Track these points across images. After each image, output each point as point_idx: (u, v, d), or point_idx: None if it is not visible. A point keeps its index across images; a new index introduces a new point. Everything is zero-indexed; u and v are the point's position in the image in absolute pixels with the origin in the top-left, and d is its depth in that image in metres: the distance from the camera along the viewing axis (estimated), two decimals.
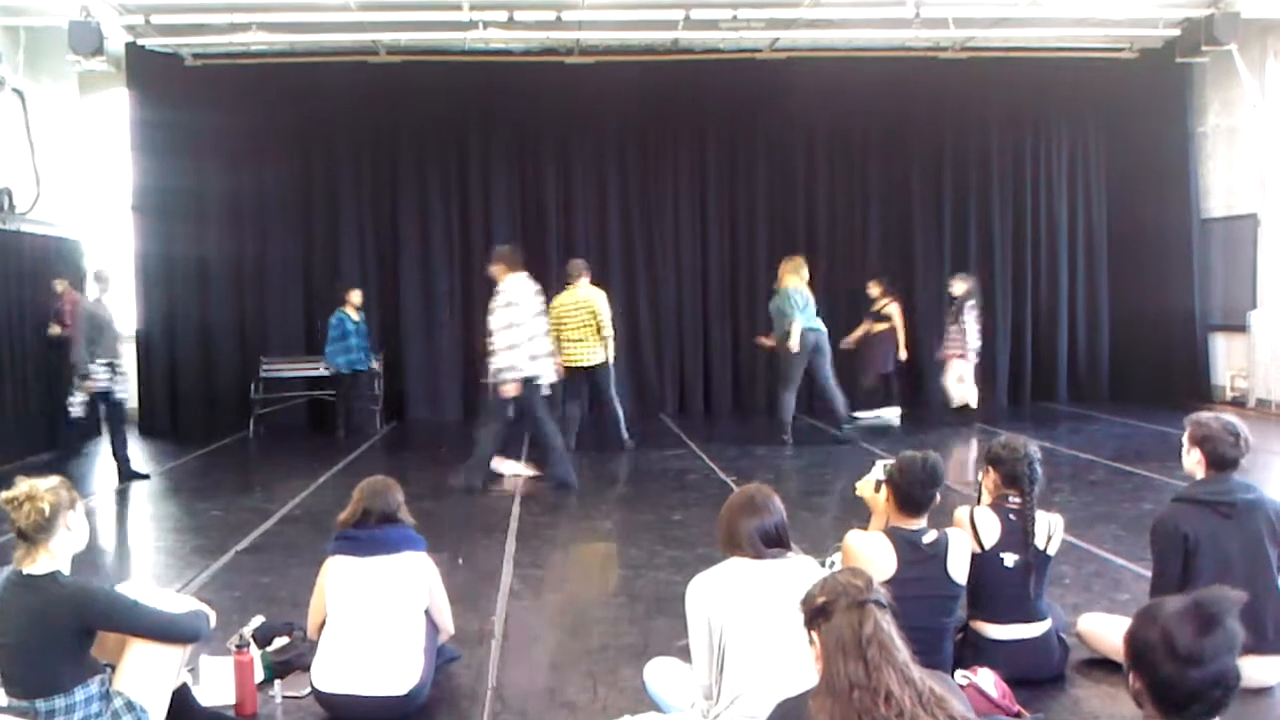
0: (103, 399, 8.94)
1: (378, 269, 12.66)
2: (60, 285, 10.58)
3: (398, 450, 10.95)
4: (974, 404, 11.32)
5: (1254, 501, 4.12)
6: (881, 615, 2.33)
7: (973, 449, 9.99)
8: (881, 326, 11.79)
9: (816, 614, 2.38)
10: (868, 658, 2.27)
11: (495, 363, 8.13)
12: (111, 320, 9.03)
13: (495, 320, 8.12)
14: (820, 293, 12.98)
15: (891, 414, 11.63)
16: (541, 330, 8.35)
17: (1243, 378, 12.21)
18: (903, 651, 2.31)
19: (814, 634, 2.39)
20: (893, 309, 11.80)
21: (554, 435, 8.47)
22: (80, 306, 9.22)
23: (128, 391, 9.27)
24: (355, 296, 11.55)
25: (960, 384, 11.32)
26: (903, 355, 11.82)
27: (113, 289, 9.41)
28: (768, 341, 10.84)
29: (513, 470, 8.96)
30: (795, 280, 10.34)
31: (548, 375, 8.40)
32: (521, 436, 9.14)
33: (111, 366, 8.86)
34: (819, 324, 10.39)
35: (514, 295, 8.10)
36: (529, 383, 8.16)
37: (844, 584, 2.39)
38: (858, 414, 11.37)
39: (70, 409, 8.90)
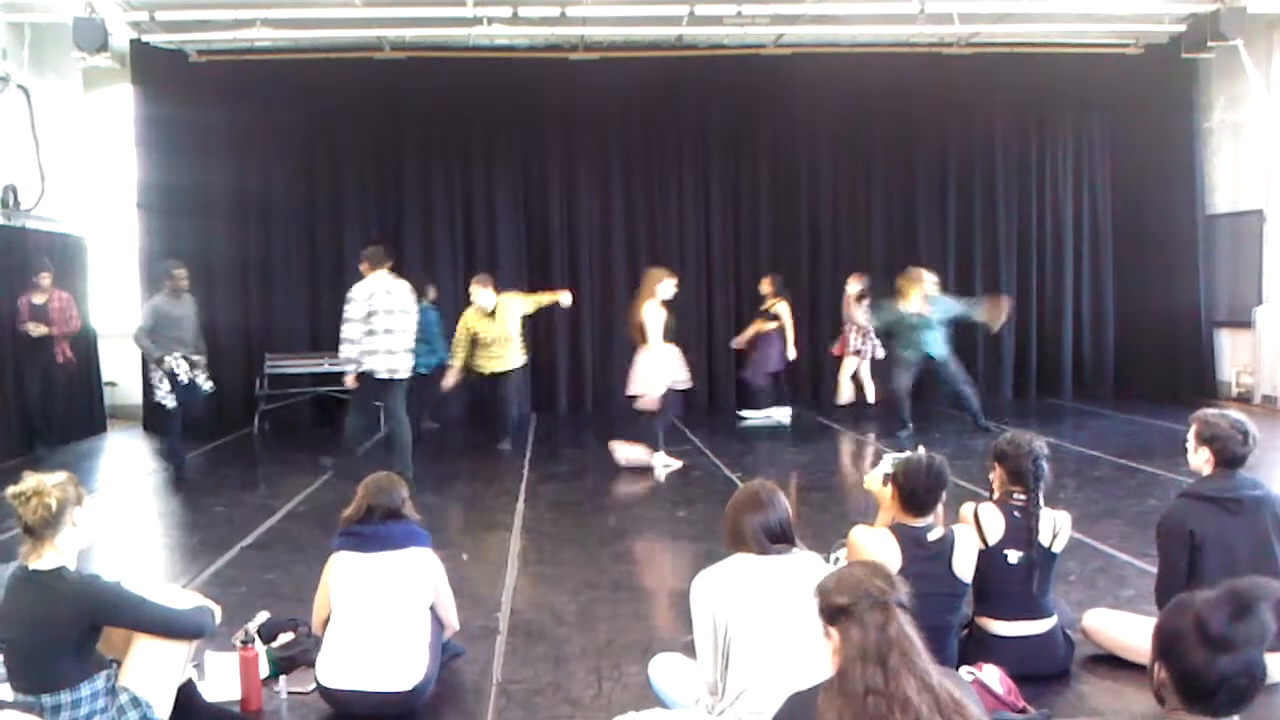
0: (185, 390, 8.79)
1: None
2: (46, 279, 10.16)
3: None
4: (871, 399, 11.50)
5: (1260, 498, 4.11)
6: (904, 618, 2.28)
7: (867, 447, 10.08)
8: (771, 325, 11.72)
9: (837, 613, 2.32)
10: (888, 664, 2.22)
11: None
12: (180, 317, 8.86)
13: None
14: (824, 287, 13.04)
15: (782, 413, 11.72)
16: (395, 327, 8.27)
17: (1248, 374, 12.18)
18: (923, 657, 2.25)
19: (832, 629, 2.34)
20: (782, 308, 11.70)
21: (404, 433, 8.46)
22: (149, 303, 9.03)
23: (203, 387, 9.02)
24: (433, 292, 11.56)
25: (853, 381, 11.57)
26: (791, 354, 11.73)
27: (186, 285, 9.08)
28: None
29: (663, 462, 8.94)
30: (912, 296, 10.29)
31: (400, 371, 8.34)
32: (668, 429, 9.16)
33: (188, 360, 8.79)
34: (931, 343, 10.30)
35: (354, 292, 8.30)
36: (370, 377, 8.23)
37: (867, 585, 2.32)
38: (745, 413, 11.75)
39: (162, 401, 8.77)
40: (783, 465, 9.27)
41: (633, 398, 9.00)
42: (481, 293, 9.93)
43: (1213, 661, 2.04)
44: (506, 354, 9.95)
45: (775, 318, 11.70)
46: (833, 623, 2.33)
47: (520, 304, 10.13)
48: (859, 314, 11.42)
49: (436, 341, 11.06)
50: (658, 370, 8.85)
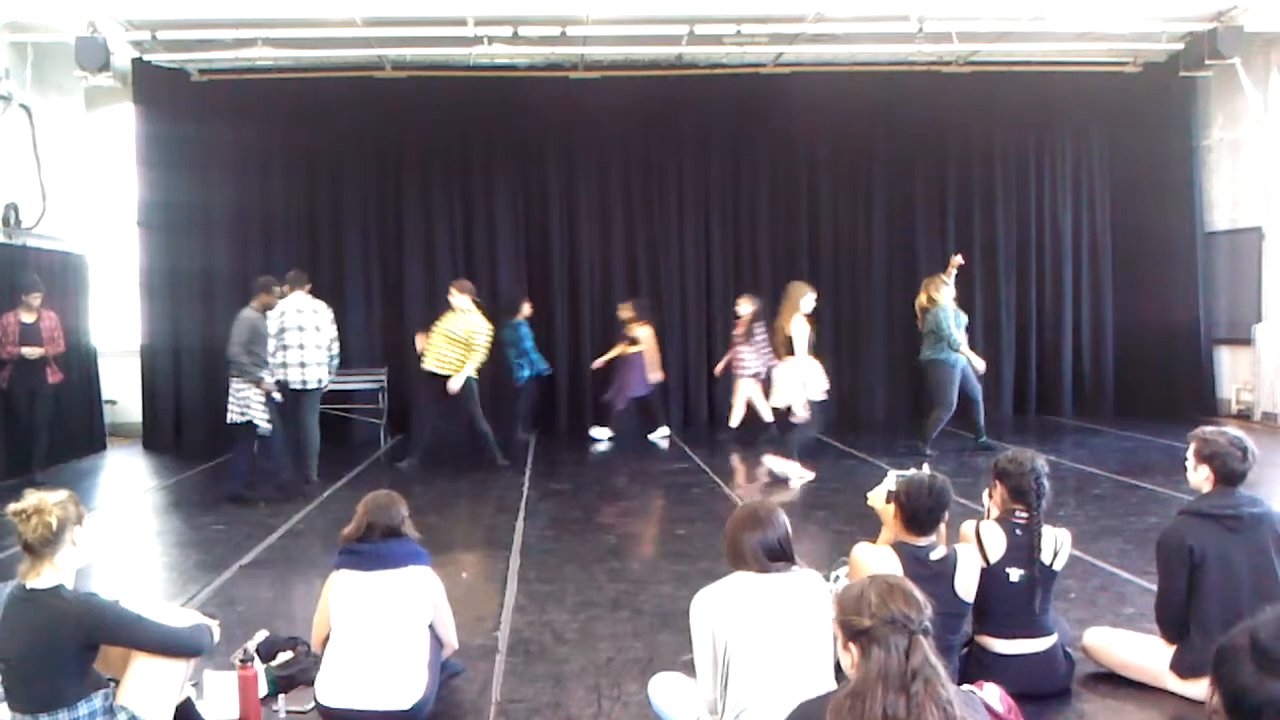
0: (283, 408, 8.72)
1: (381, 283, 12.69)
2: (36, 298, 9.79)
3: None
4: (768, 417, 11.16)
5: (1260, 515, 4.11)
6: (928, 645, 2.23)
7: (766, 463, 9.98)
8: (633, 349, 11.68)
9: (859, 634, 2.26)
10: (911, 692, 2.16)
11: None
12: (264, 335, 8.68)
13: None
14: (824, 307, 13.02)
15: (660, 435, 11.78)
16: (308, 343, 9.18)
17: (1248, 391, 12.19)
18: (948, 687, 2.19)
19: (851, 644, 2.29)
20: (643, 332, 11.64)
21: (314, 440, 9.31)
22: (245, 317, 8.68)
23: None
24: (527, 308, 11.75)
25: (748, 403, 11.36)
26: (657, 377, 11.70)
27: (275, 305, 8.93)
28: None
29: (798, 473, 9.01)
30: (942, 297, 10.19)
31: (311, 382, 9.23)
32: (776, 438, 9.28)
33: (277, 380, 8.71)
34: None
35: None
36: (286, 387, 9.02)
37: (891, 608, 2.25)
38: (595, 432, 11.88)
39: (257, 425, 8.57)
40: (783, 483, 9.25)
41: (776, 410, 9.10)
42: (458, 297, 10.00)
43: (1263, 684, 1.95)
44: (436, 356, 9.87)
45: (636, 341, 11.65)
46: (853, 640, 2.29)
47: (467, 330, 9.82)
48: (756, 336, 11.13)
49: (531, 355, 11.31)
50: (802, 382, 8.93)
